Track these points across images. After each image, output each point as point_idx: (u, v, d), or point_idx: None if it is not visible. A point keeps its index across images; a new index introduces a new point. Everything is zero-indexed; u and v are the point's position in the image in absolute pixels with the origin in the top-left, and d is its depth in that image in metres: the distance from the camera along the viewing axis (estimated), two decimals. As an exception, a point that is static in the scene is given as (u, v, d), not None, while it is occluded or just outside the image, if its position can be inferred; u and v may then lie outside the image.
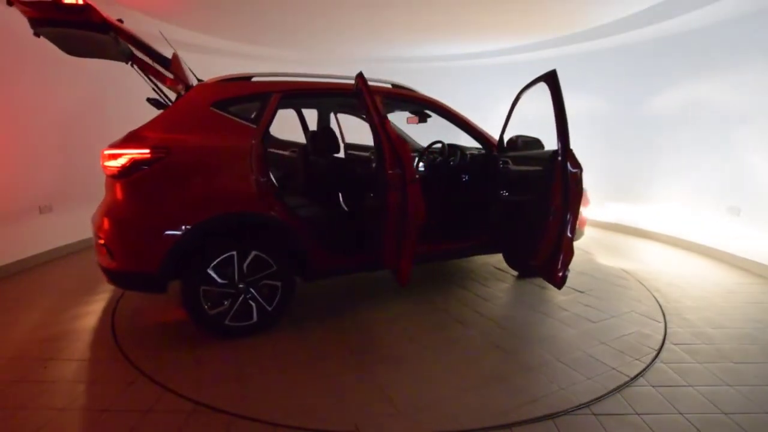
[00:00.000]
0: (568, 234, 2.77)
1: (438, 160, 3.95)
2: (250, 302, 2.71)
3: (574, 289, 3.63)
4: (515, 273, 4.00)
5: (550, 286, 3.49)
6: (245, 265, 2.65)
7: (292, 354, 2.57)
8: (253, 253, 2.65)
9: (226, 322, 2.66)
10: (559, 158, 2.76)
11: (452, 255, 3.71)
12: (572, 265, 3.90)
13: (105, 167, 2.50)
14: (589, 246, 5.10)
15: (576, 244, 4.63)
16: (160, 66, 2.76)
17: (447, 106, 3.48)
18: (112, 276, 2.60)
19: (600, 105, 6.06)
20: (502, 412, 2.03)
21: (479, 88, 7.43)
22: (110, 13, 2.33)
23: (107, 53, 2.77)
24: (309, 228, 2.89)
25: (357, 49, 6.53)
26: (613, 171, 5.94)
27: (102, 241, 2.53)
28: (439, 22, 5.01)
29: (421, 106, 3.66)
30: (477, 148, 3.84)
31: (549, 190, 2.86)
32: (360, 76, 2.59)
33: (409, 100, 3.45)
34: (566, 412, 2.03)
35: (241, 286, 2.66)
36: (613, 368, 2.41)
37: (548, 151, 3.02)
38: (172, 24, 5.13)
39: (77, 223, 4.81)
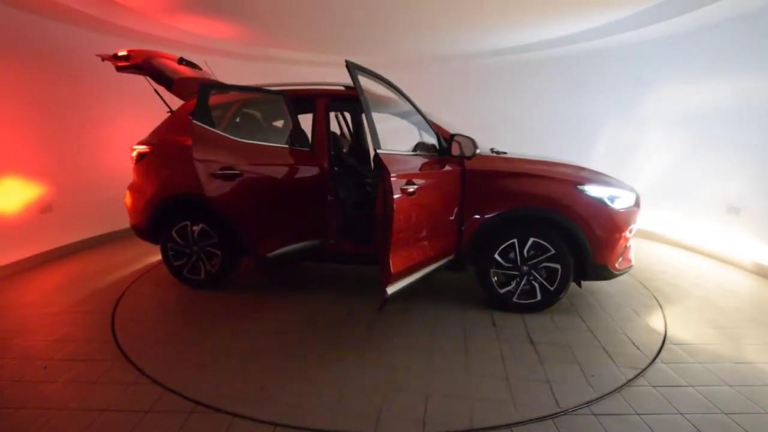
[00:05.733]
0: (387, 251, 2.45)
1: None
2: (200, 263, 3.54)
3: (529, 338, 2.76)
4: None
5: (514, 326, 2.93)
6: (196, 234, 3.48)
7: (195, 305, 3.31)
8: (201, 225, 3.46)
9: (184, 273, 3.59)
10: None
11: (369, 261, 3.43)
12: (591, 318, 3.06)
13: (131, 157, 3.67)
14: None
15: (637, 279, 3.84)
16: (165, 88, 3.57)
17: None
18: (132, 228, 3.80)
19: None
20: (242, 400, 2.12)
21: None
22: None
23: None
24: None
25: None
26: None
27: (126, 205, 3.78)
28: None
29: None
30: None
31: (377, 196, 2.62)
32: (200, 84, 2.84)
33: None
34: (566, 412, 2.04)
35: (196, 248, 3.51)
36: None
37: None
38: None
39: (77, 222, 4.82)
